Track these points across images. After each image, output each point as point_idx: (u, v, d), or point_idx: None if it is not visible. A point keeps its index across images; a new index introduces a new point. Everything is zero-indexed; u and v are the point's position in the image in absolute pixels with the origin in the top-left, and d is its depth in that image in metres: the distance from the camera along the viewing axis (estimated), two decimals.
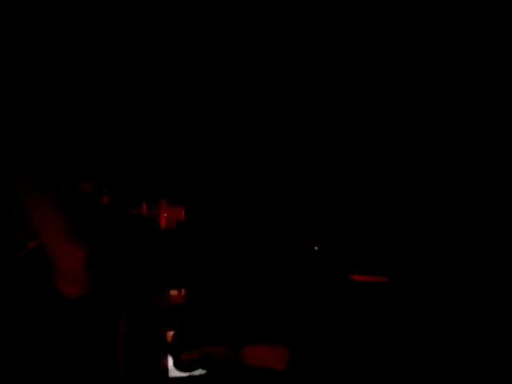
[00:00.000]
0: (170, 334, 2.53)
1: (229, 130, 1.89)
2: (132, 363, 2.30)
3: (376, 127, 1.89)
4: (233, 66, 2.04)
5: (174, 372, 2.48)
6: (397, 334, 1.85)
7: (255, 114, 2.02)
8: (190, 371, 2.28)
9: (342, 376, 1.96)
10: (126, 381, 2.19)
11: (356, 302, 1.96)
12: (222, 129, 1.92)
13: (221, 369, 2.20)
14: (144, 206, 1.51)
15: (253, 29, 2.00)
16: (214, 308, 2.30)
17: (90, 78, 2.32)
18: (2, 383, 1.35)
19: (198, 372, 2.26)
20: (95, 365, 2.04)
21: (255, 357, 2.15)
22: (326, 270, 1.94)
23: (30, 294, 1.32)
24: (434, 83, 1.90)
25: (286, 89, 1.97)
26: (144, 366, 2.44)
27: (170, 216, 1.52)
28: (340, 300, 2.01)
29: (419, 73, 1.91)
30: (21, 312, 1.42)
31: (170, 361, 2.45)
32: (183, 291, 2.54)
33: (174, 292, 2.59)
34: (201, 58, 2.03)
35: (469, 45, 1.79)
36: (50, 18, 2.43)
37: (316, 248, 1.77)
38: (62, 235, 1.09)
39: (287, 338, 2.19)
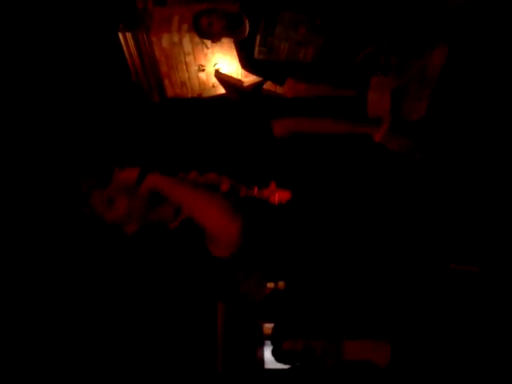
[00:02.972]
0: (268, 326, 2.57)
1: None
2: (230, 354, 2.36)
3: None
4: None
5: (270, 364, 2.52)
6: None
7: None
8: (289, 362, 2.29)
9: (443, 371, 1.90)
10: (224, 372, 2.26)
11: (455, 293, 1.90)
12: None
13: (320, 362, 2.18)
14: (255, 188, 1.60)
15: None
16: (315, 301, 2.31)
17: None
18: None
19: (296, 364, 2.28)
20: (195, 352, 2.13)
21: (356, 352, 2.13)
22: (425, 259, 1.89)
23: (185, 257, 1.46)
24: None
25: None
26: (241, 357, 2.50)
27: (278, 197, 1.59)
28: (439, 290, 1.95)
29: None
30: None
31: (267, 353, 2.50)
32: (281, 283, 2.58)
33: (270, 284, 2.64)
34: None
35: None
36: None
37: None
38: (220, 214, 1.26)
39: (389, 333, 2.15)
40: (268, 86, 2.76)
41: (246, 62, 2.19)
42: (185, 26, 2.93)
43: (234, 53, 2.24)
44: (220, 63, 3.03)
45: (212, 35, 2.13)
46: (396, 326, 2.05)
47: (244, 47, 2.16)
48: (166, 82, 3.15)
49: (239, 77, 2.84)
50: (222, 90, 3.00)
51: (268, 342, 2.57)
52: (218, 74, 2.87)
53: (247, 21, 2.11)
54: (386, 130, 1.70)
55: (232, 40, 2.20)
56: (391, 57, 2.09)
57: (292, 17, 2.05)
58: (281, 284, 2.56)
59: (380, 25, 2.13)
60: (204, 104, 3.17)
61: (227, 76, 2.82)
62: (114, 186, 1.39)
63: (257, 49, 2.08)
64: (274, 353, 2.34)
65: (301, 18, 2.06)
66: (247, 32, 2.11)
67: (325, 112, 2.09)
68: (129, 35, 3.03)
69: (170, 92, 3.16)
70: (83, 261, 2.07)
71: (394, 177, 1.68)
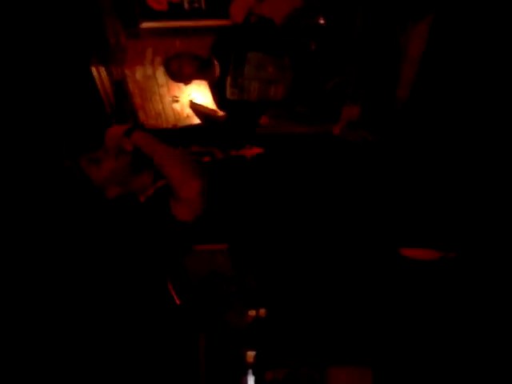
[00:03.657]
0: (251, 354, 2.56)
1: None
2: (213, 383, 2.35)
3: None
4: None
5: None
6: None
7: None
8: None
9: None
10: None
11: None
12: None
13: None
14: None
15: None
16: (297, 328, 2.32)
17: None
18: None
19: None
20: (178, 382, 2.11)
21: (339, 378, 2.14)
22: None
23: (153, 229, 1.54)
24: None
25: None
26: None
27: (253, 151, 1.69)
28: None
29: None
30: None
31: (251, 381, 2.48)
32: (263, 311, 2.58)
33: (252, 312, 2.64)
34: None
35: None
36: None
37: None
38: (185, 171, 1.41)
39: (371, 360, 2.17)
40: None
41: (221, 103, 2.24)
42: (158, 59, 2.97)
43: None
44: (194, 94, 3.07)
45: (183, 78, 2.19)
46: (378, 352, 2.08)
47: (217, 88, 2.21)
48: (141, 113, 3.17)
49: (213, 107, 2.88)
50: (196, 120, 3.02)
51: (251, 371, 2.56)
52: (192, 105, 2.89)
53: (217, 63, 2.16)
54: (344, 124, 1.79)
55: (204, 81, 2.26)
56: (359, 86, 2.16)
57: (259, 57, 2.12)
58: (262, 311, 2.56)
59: (347, 56, 2.21)
60: (179, 134, 3.19)
61: (202, 106, 2.85)
62: (103, 148, 1.50)
63: (228, 90, 2.14)
64: (256, 382, 2.34)
65: (268, 58, 2.12)
66: (218, 73, 2.17)
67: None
68: (102, 69, 3.04)
69: (145, 123, 3.18)
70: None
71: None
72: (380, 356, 2.02)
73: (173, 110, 3.16)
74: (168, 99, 3.13)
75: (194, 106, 2.94)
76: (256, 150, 1.67)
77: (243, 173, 1.55)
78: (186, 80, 2.21)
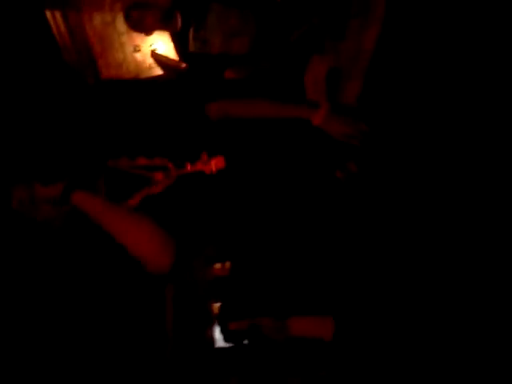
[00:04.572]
0: (217, 305, 2.60)
1: None
2: (179, 334, 2.38)
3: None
4: None
5: (220, 342, 2.56)
6: None
7: None
8: (237, 342, 2.34)
9: (387, 346, 1.99)
10: (174, 351, 2.28)
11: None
12: None
13: (267, 339, 2.24)
14: (188, 164, 1.58)
15: None
16: (259, 279, 2.35)
17: None
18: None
19: (244, 342, 2.33)
20: (145, 333, 2.13)
21: (301, 327, 2.19)
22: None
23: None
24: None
25: None
26: (191, 337, 2.53)
27: (215, 165, 1.58)
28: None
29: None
30: None
31: (217, 332, 2.53)
32: (228, 264, 2.60)
33: (218, 265, 2.66)
34: None
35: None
36: None
37: None
38: (149, 246, 1.22)
39: (333, 309, 2.22)
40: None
41: (183, 55, 2.17)
42: (118, 5, 2.82)
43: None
44: (156, 44, 2.95)
45: (144, 28, 2.10)
46: (338, 301, 2.13)
47: (179, 40, 2.13)
48: (100, 62, 3.04)
49: (176, 58, 2.79)
50: (159, 71, 2.93)
51: (216, 322, 2.60)
52: (154, 55, 2.79)
53: (179, 14, 2.08)
54: (325, 112, 1.69)
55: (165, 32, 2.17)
56: (325, 37, 2.11)
57: (222, 9, 2.04)
58: (227, 264, 2.59)
59: (311, 4, 2.15)
60: (141, 85, 3.09)
61: (164, 57, 2.75)
62: (37, 195, 1.31)
63: (191, 42, 2.07)
64: (221, 333, 2.38)
65: (231, 10, 2.05)
66: (180, 25, 2.08)
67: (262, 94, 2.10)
68: (57, 13, 2.88)
69: (105, 73, 3.05)
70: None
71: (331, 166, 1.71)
72: (341, 305, 2.06)
73: (134, 59, 3.03)
74: (129, 48, 3.00)
75: (156, 57, 2.84)
76: (216, 162, 1.53)
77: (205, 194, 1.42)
78: (147, 31, 2.12)
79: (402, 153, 1.79)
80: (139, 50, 3.00)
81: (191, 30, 2.02)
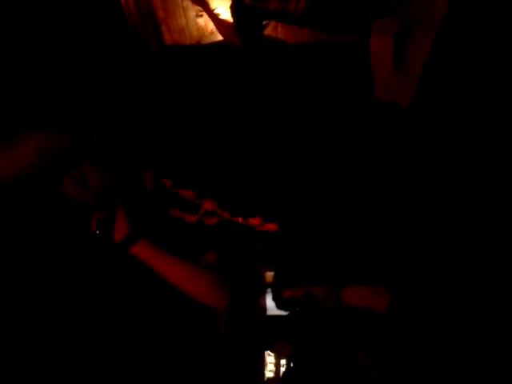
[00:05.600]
0: (270, 274, 2.60)
1: None
2: (231, 303, 2.39)
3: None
4: None
5: (272, 310, 2.56)
6: None
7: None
8: (290, 310, 2.33)
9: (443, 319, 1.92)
10: (227, 318, 2.30)
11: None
12: None
13: (321, 308, 2.22)
14: (240, 219, 1.55)
15: None
16: (315, 248, 2.32)
17: None
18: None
19: (298, 311, 2.31)
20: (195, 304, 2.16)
21: (356, 298, 2.15)
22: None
23: None
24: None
25: None
26: (243, 306, 2.54)
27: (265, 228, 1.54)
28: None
29: None
30: None
31: (269, 300, 2.53)
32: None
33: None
34: None
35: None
36: None
37: None
38: (210, 292, 1.25)
39: (389, 280, 2.16)
40: (269, 31, 2.67)
41: (237, 7, 2.13)
42: None
43: None
44: (219, 8, 2.93)
45: None
46: (395, 272, 2.07)
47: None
48: (164, 28, 3.06)
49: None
50: (221, 37, 2.90)
51: (270, 290, 2.60)
52: (215, 20, 2.77)
53: None
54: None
55: None
56: None
57: None
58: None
59: None
60: (204, 51, 3.08)
61: (226, 21, 2.72)
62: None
63: None
64: (274, 300, 2.37)
65: None
66: None
67: (326, 58, 2.04)
68: None
69: (167, 39, 3.08)
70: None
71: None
72: (398, 277, 2.00)
73: (197, 24, 3.03)
74: (192, 13, 3.00)
75: (218, 21, 2.82)
76: (269, 227, 1.49)
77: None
78: None
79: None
80: (202, 15, 2.99)
81: None
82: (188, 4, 2.96)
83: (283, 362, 3.22)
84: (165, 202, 1.66)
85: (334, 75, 1.72)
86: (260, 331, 2.57)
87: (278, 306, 2.32)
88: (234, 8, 2.16)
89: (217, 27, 2.73)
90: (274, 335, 2.51)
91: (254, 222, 1.51)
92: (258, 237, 1.55)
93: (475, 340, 1.71)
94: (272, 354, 3.37)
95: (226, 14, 2.91)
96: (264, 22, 2.40)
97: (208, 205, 1.50)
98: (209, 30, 3.04)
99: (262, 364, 2.56)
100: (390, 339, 2.09)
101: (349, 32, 2.11)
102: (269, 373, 3.41)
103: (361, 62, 1.95)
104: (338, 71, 1.85)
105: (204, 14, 2.99)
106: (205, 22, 3.01)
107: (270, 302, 2.55)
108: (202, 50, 3.09)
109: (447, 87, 1.74)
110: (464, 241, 1.87)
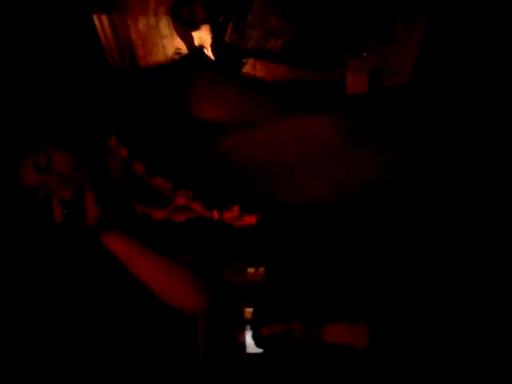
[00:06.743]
0: (249, 310, 2.57)
1: None
2: (211, 339, 2.35)
3: None
4: None
5: (251, 348, 2.52)
6: None
7: None
8: (269, 347, 2.29)
9: (425, 356, 1.91)
10: (206, 356, 2.25)
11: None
12: None
13: (300, 346, 2.19)
14: (215, 211, 1.49)
15: None
16: (294, 285, 2.30)
17: None
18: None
19: (276, 348, 2.28)
20: (175, 336, 2.11)
21: (336, 334, 2.13)
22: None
23: None
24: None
25: None
26: (222, 342, 2.50)
27: (245, 222, 1.50)
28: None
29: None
30: None
31: (248, 337, 2.50)
32: (261, 269, 2.57)
33: (251, 269, 2.63)
34: None
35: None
36: None
37: None
38: (186, 291, 1.18)
39: (368, 317, 2.16)
40: (247, 69, 2.72)
41: (215, 44, 2.18)
42: (162, 9, 2.87)
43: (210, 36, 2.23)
44: (199, 46, 2.98)
45: (194, 25, 2.12)
46: (374, 309, 2.07)
47: (217, 32, 2.15)
48: (143, 63, 3.09)
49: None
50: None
51: (249, 327, 2.57)
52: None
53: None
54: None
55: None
56: (369, 37, 2.08)
57: (266, 5, 2.04)
58: (261, 270, 2.55)
59: (357, 5, 2.12)
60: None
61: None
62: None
63: (228, 34, 2.08)
64: (253, 338, 2.34)
65: (274, 8, 2.05)
66: (222, 18, 2.10)
67: (304, 96, 2.07)
68: (104, 18, 2.95)
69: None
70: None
71: None
72: (377, 313, 2.00)
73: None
74: (171, 51, 3.04)
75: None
76: (248, 219, 1.44)
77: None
78: (196, 26, 2.15)
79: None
80: (180, 54, 3.04)
81: (231, 23, 2.02)
82: (167, 42, 3.01)
83: None
84: (132, 192, 1.55)
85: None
86: (239, 369, 2.52)
87: (257, 344, 2.29)
88: (214, 46, 2.21)
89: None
90: (254, 373, 2.46)
91: (232, 214, 1.40)
92: (236, 235, 1.47)
93: (465, 370, 1.70)
94: None
95: (206, 51, 2.96)
96: (243, 60, 2.45)
97: (181, 199, 1.40)
98: None
99: None
100: (372, 376, 2.07)
101: (326, 70, 2.17)
102: None
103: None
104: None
105: (182, 52, 3.04)
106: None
107: (249, 340, 2.52)
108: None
109: (442, 88, 1.78)
110: (444, 275, 1.89)
